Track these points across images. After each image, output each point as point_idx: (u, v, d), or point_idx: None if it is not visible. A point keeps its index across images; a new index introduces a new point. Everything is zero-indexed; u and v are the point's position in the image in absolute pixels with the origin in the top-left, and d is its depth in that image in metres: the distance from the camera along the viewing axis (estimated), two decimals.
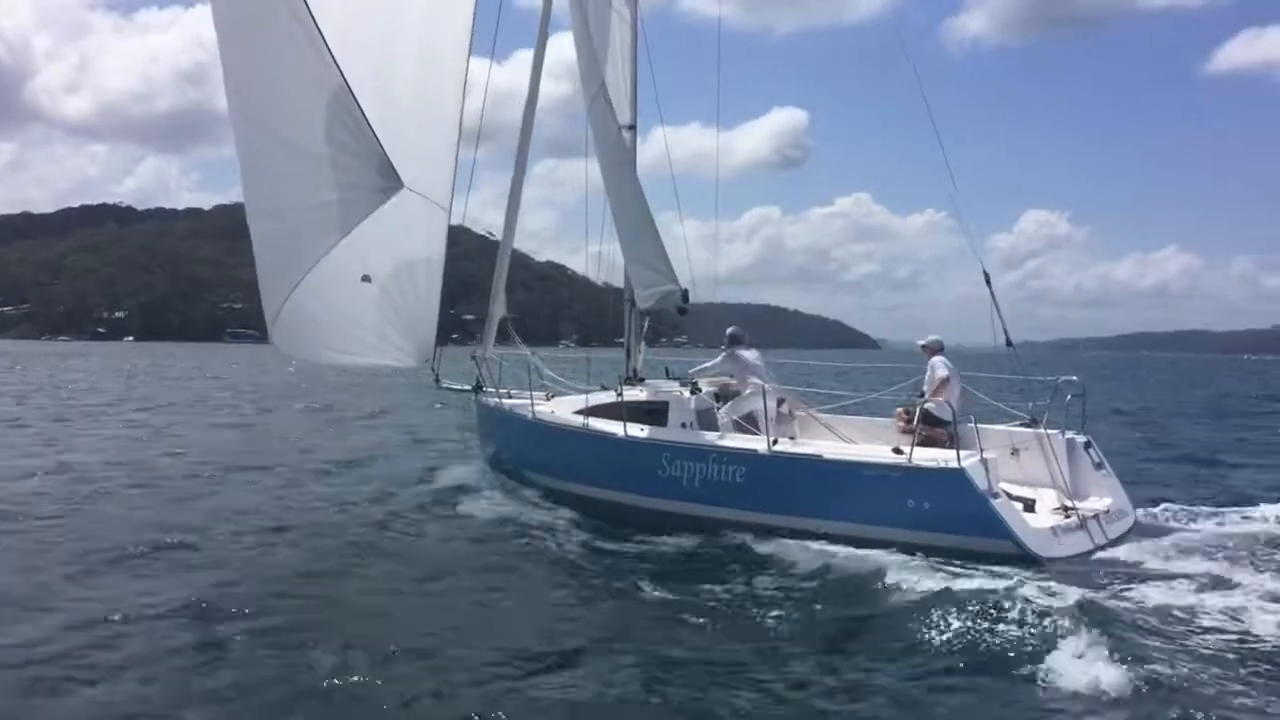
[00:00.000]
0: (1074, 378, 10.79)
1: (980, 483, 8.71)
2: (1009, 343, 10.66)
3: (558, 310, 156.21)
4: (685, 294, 11.48)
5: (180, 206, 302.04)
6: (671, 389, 12.22)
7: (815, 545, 9.01)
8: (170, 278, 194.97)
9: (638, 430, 10.76)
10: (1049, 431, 10.34)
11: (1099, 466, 10.36)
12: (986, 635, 6.76)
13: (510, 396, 13.19)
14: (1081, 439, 10.44)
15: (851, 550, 8.75)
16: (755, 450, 9.81)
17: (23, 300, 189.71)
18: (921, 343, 11.26)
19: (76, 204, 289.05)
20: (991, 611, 7.08)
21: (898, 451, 9.36)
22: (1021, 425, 10.65)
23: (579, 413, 11.75)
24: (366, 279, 11.71)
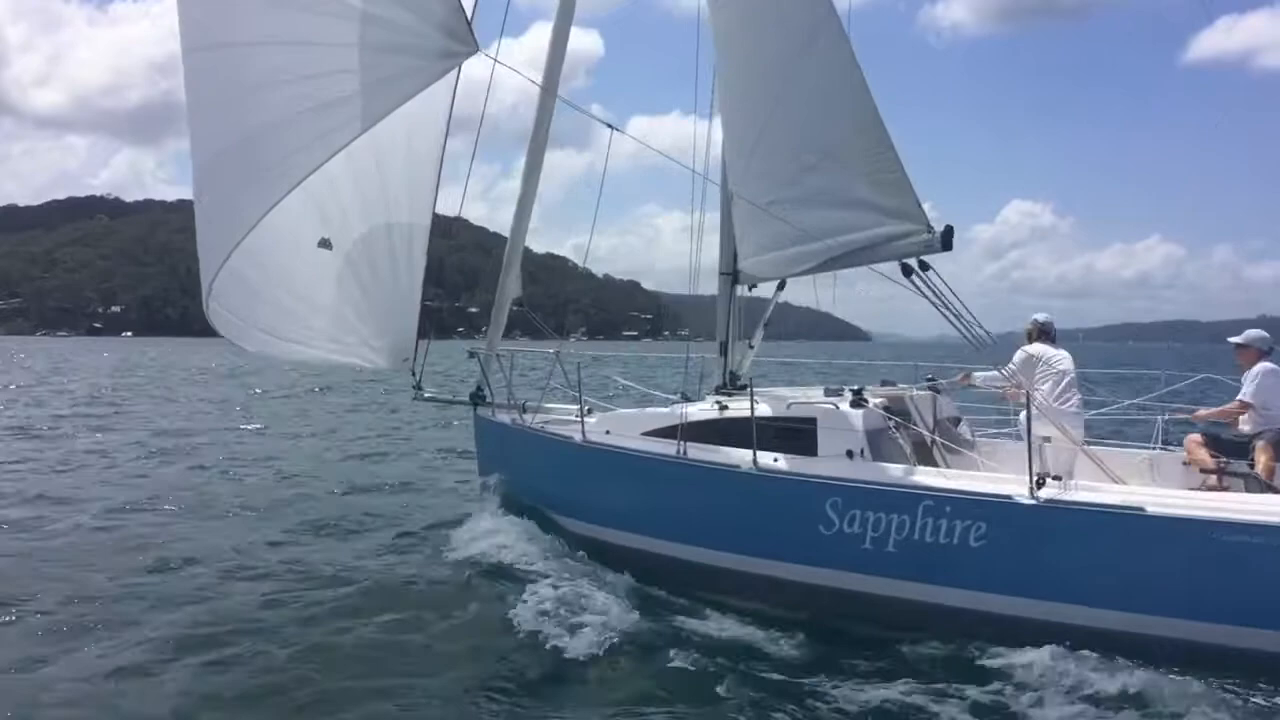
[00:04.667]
0: None
1: None
2: None
3: (563, 303, 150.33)
4: (948, 232, 7.01)
5: (158, 198, 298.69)
6: (814, 399, 8.12)
7: (1126, 657, 5.81)
8: (167, 271, 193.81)
9: (772, 460, 7.31)
10: None
11: None
12: None
13: (526, 411, 9.57)
14: None
15: (1197, 671, 5.62)
16: (1010, 498, 6.40)
17: (13, 295, 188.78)
18: (1238, 339, 7.50)
19: (62, 196, 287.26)
20: None
21: None
22: None
23: (654, 434, 8.17)
24: (325, 244, 8.98)
